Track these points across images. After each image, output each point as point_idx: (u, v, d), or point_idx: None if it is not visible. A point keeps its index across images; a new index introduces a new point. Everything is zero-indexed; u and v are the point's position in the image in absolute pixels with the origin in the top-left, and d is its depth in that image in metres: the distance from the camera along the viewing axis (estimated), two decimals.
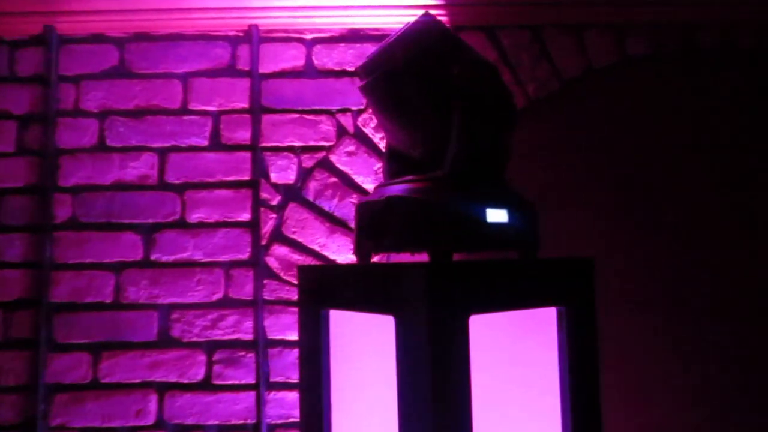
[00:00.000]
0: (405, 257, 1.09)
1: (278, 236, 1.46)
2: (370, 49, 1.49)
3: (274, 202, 1.47)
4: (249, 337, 1.43)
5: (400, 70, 1.05)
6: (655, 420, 1.50)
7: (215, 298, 1.44)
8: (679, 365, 1.51)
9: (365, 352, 1.02)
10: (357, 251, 1.08)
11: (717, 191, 1.55)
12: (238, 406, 1.41)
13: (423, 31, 1.07)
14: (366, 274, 0.99)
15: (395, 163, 1.11)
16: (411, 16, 1.45)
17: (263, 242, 1.45)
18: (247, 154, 1.47)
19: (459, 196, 0.97)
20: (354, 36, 1.51)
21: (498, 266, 0.96)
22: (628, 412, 1.50)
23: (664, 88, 1.56)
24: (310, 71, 1.50)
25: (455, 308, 0.87)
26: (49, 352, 1.42)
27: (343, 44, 1.51)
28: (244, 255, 1.45)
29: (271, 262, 1.45)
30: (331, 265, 1.23)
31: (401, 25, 1.46)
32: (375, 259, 1.26)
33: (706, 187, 1.55)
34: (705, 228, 1.54)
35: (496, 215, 0.97)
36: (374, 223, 1.03)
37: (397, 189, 1.04)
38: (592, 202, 1.52)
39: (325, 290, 1.06)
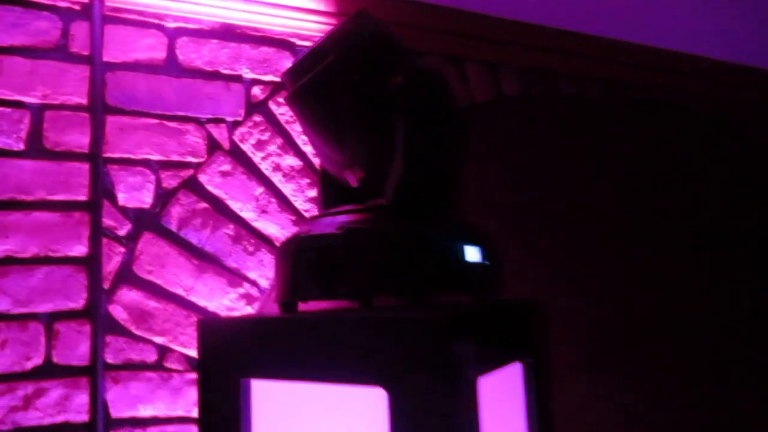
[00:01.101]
0: (314, 305, 0.88)
1: (127, 277, 1.10)
2: (248, 51, 1.25)
3: (123, 232, 1.11)
4: (83, 418, 1.04)
5: (333, 77, 0.87)
6: None
7: (30, 365, 1.02)
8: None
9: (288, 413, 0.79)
10: (285, 296, 0.84)
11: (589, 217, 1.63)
12: None
13: (361, 32, 0.90)
14: (326, 327, 0.76)
15: (330, 189, 0.91)
16: (298, 20, 1.26)
17: (106, 285, 1.08)
18: (84, 166, 1.09)
19: (426, 231, 0.81)
20: (229, 33, 1.25)
21: (490, 313, 0.82)
22: None
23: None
24: (173, 68, 1.19)
25: (470, 368, 0.70)
26: None
27: (215, 40, 1.23)
28: (77, 303, 1.06)
29: (117, 311, 1.09)
30: (257, 317, 0.93)
31: (285, 29, 1.26)
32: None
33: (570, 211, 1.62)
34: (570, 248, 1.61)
35: (472, 254, 0.83)
36: (322, 264, 0.80)
37: (337, 221, 0.84)
38: None
39: (246, 353, 0.80)
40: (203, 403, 0.83)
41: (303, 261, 0.82)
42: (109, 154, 1.11)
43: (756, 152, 2.03)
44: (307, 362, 0.75)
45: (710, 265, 1.87)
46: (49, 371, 1.02)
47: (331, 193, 0.94)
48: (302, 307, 0.85)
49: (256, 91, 1.25)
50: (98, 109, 1.11)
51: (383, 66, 0.86)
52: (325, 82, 0.85)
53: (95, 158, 1.10)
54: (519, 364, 0.90)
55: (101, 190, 1.10)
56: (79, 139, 1.10)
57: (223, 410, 0.81)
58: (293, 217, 1.25)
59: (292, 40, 1.30)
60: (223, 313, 1.16)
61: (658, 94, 1.80)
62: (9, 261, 1.02)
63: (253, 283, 1.20)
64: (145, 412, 1.08)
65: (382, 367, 0.70)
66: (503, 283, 0.89)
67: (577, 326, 1.60)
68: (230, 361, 0.81)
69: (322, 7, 1.30)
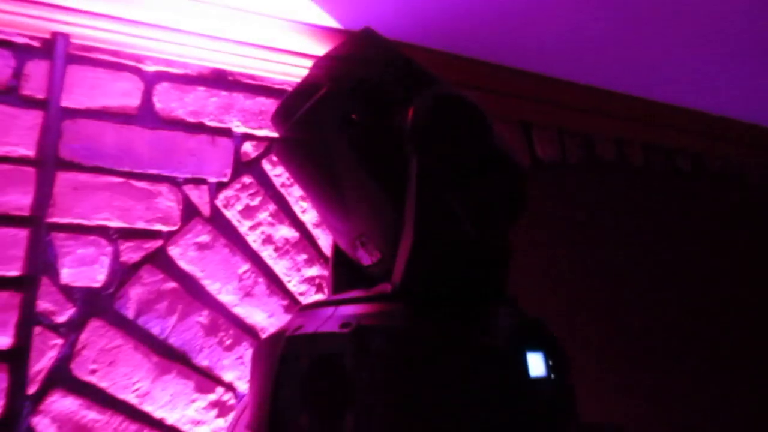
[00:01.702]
0: None
1: (63, 378, 0.84)
2: (241, 101, 1.05)
3: (63, 318, 0.86)
4: None
5: (326, 115, 0.65)
6: None
7: None
8: None
9: None
10: (264, 427, 0.58)
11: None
12: None
13: (362, 55, 0.69)
14: None
15: (343, 270, 0.66)
16: (302, 67, 1.06)
17: (32, 389, 0.82)
18: (21, 232, 0.86)
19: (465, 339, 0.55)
20: (219, 79, 1.05)
21: None
22: None
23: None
24: (148, 117, 0.98)
25: None
26: None
27: (202, 88, 1.03)
28: None
29: (43, 426, 0.82)
30: None
31: (286, 77, 1.06)
32: None
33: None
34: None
35: (537, 364, 0.57)
36: (319, 380, 0.55)
37: (340, 313, 0.59)
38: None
39: None
40: None
41: (290, 373, 0.57)
42: (55, 219, 0.89)
43: None
44: None
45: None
46: None
47: (345, 275, 0.69)
48: None
49: (248, 147, 1.04)
50: (48, 163, 0.90)
51: (394, 97, 0.63)
52: (317, 122, 0.62)
53: (37, 223, 0.87)
54: None
55: (40, 264, 0.86)
56: (19, 200, 0.87)
57: None
58: (286, 302, 1.00)
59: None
60: (186, 428, 0.89)
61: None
62: None
63: (229, 387, 0.93)
64: None
65: None
66: (574, 408, 0.62)
67: None
68: None
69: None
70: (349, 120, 0.61)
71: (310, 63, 1.08)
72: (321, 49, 1.09)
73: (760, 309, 1.62)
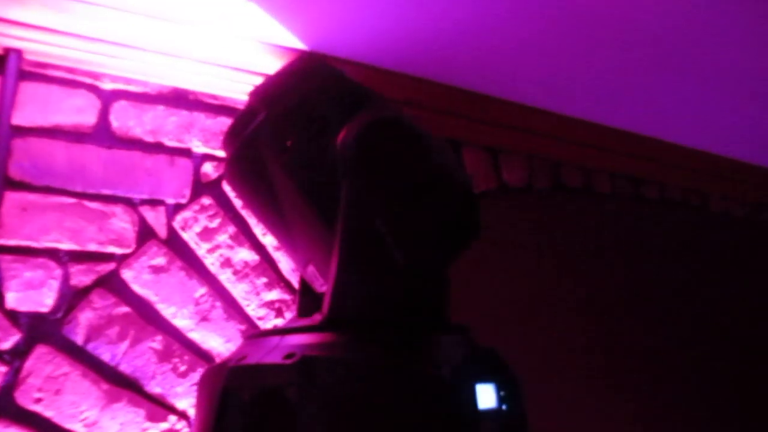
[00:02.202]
0: None
1: (5, 407, 0.81)
2: (203, 120, 1.03)
3: (7, 345, 0.83)
4: None
5: (264, 141, 0.64)
6: None
7: None
8: None
9: None
10: None
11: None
12: None
13: (300, 79, 0.68)
14: None
15: (308, 297, 0.65)
16: None
17: None
18: None
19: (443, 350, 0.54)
20: (180, 99, 1.03)
21: None
22: None
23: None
24: (104, 136, 0.96)
25: None
26: None
27: (161, 106, 1.01)
28: None
29: None
30: None
31: (247, 96, 1.05)
32: None
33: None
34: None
35: (486, 394, 0.56)
36: (262, 413, 0.53)
37: (286, 343, 0.57)
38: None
39: None
40: None
41: (232, 405, 0.55)
42: (2, 241, 0.85)
43: None
44: None
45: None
46: None
47: (310, 302, 0.68)
48: None
49: (208, 168, 1.02)
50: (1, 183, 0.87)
51: (330, 121, 0.62)
52: (256, 148, 0.61)
53: None
54: None
55: None
56: None
57: None
58: (244, 327, 0.98)
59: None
60: None
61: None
62: None
63: (182, 416, 0.90)
64: None
65: None
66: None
67: None
68: None
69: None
70: (283, 145, 0.60)
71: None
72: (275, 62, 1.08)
73: (731, 329, 1.64)
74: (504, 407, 0.57)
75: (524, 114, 1.35)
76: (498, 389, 0.57)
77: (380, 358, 0.52)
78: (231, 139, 0.65)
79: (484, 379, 0.54)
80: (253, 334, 0.64)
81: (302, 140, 0.60)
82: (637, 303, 1.52)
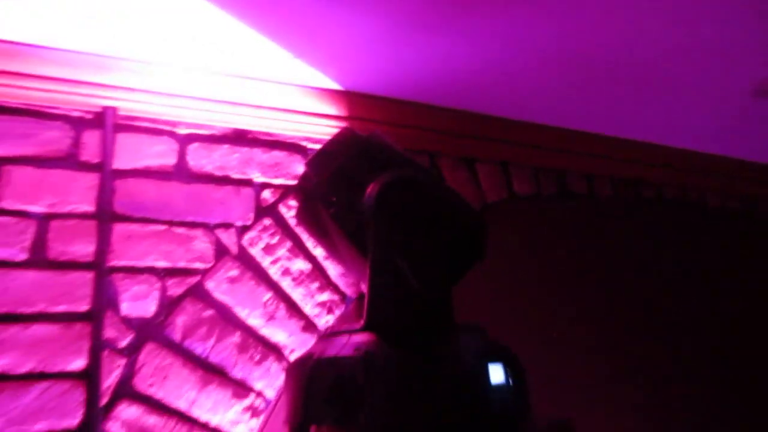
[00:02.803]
0: None
1: (127, 391, 1.05)
2: (259, 155, 1.26)
3: (124, 343, 1.07)
4: None
5: (316, 199, 0.87)
6: None
7: None
8: None
9: None
10: (301, 424, 0.78)
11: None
12: None
13: (344, 144, 0.90)
14: None
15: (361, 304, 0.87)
16: (310, 124, 1.28)
17: (104, 400, 1.03)
18: (88, 275, 1.07)
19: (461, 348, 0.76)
20: (240, 138, 1.25)
21: None
22: None
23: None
24: (183, 173, 1.19)
25: None
26: None
27: (226, 145, 1.24)
28: (73, 421, 1.00)
29: (115, 429, 1.02)
30: None
31: (297, 133, 1.27)
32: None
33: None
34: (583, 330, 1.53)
35: (497, 375, 0.78)
36: (340, 392, 0.75)
37: (353, 341, 0.80)
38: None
39: None
40: None
41: (318, 387, 0.77)
42: (114, 263, 1.09)
43: None
44: None
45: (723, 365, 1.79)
46: None
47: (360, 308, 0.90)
48: None
49: (266, 194, 1.25)
50: (106, 217, 1.10)
51: (363, 181, 0.84)
52: (314, 203, 0.84)
53: (100, 267, 1.07)
54: None
55: (104, 300, 1.06)
56: (84, 248, 1.07)
57: None
58: (302, 323, 1.21)
59: (303, 143, 1.30)
60: (227, 428, 1.09)
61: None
62: (2, 378, 0.98)
63: (259, 394, 1.13)
64: None
65: None
66: (530, 409, 0.82)
67: None
68: None
69: (332, 112, 1.31)
70: (330, 201, 0.82)
71: (317, 120, 1.30)
72: (324, 107, 1.30)
73: (732, 326, 1.82)
74: (511, 382, 0.79)
75: (531, 130, 1.54)
76: (506, 370, 0.78)
77: (415, 355, 0.74)
78: (297, 195, 0.87)
79: (495, 361, 0.76)
80: (326, 334, 0.87)
81: (342, 197, 0.82)
82: (640, 300, 1.71)
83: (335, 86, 1.30)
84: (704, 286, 1.81)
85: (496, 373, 0.75)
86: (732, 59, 1.32)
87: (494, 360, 0.76)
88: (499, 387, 0.75)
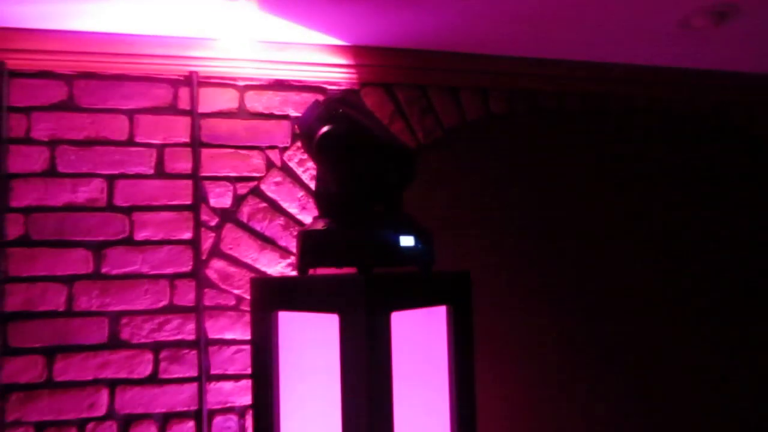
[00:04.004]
0: (330, 271, 1.43)
1: (216, 252, 1.74)
2: (293, 96, 1.83)
3: (213, 224, 1.74)
4: (191, 337, 1.69)
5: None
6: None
7: (161, 305, 1.69)
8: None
9: (307, 346, 1.36)
10: (300, 266, 1.41)
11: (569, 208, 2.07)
12: (182, 396, 1.68)
13: (310, 109, 1.45)
14: (314, 283, 1.33)
15: (322, 200, 1.46)
16: (328, 72, 1.82)
17: (203, 257, 1.73)
18: (189, 182, 1.73)
19: (375, 226, 1.35)
20: (279, 85, 1.83)
21: (408, 278, 1.36)
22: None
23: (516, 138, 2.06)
24: (242, 113, 1.79)
25: (382, 307, 1.24)
26: (4, 356, 1.58)
27: (270, 92, 1.82)
28: (187, 268, 1.71)
29: (211, 274, 1.73)
30: (281, 277, 1.61)
31: (319, 79, 1.82)
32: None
33: (558, 205, 2.06)
34: (551, 238, 2.05)
35: (407, 240, 1.36)
36: (317, 247, 1.37)
37: (331, 221, 1.40)
38: (464, 223, 1.97)
39: (275, 296, 1.39)
40: (254, 325, 1.42)
41: (307, 245, 1.39)
42: (203, 174, 1.74)
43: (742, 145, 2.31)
44: (305, 300, 1.33)
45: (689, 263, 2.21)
46: (172, 309, 1.69)
47: (322, 203, 1.49)
48: (311, 272, 1.42)
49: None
50: (196, 145, 1.74)
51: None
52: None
53: (195, 177, 1.73)
54: (444, 308, 1.42)
55: (200, 197, 1.73)
56: (185, 165, 1.73)
57: (264, 332, 1.40)
58: None
59: (324, 86, 1.85)
60: (278, 273, 1.77)
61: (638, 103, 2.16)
62: (147, 243, 1.69)
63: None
64: (227, 336, 1.72)
65: (337, 304, 1.25)
66: (432, 260, 1.40)
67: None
68: (266, 301, 1.40)
69: (345, 62, 1.83)
70: (306, 147, 1.39)
71: (334, 69, 1.83)
72: (336, 59, 1.82)
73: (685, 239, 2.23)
74: (419, 246, 1.36)
75: (505, 61, 1.98)
76: (415, 239, 1.35)
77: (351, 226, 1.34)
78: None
79: (407, 234, 1.33)
80: (314, 218, 1.47)
81: (305, 145, 1.39)
82: (606, 205, 2.15)
83: (343, 43, 1.82)
84: (671, 188, 2.21)
85: (408, 241, 1.33)
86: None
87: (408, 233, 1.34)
88: (410, 248, 1.34)
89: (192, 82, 1.75)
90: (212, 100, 1.78)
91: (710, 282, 2.22)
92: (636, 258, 2.15)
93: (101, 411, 1.63)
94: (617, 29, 1.80)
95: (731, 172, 2.29)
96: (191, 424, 1.68)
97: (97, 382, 1.63)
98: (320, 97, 1.84)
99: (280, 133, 1.82)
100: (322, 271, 1.43)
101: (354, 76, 1.86)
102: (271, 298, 1.40)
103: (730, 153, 2.30)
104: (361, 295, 1.22)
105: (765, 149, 2.34)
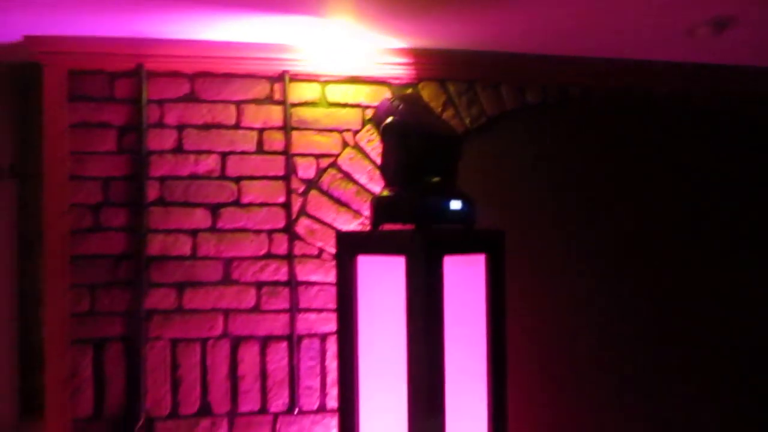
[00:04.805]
0: (395, 227, 1.87)
1: (303, 213, 2.21)
2: (364, 89, 2.27)
3: (300, 191, 2.21)
4: (285, 278, 2.18)
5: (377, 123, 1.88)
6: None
7: (262, 253, 2.17)
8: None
9: (379, 283, 1.82)
10: (373, 222, 1.87)
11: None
12: (278, 323, 2.17)
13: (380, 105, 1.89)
14: (385, 235, 1.78)
15: (387, 173, 1.90)
16: (392, 67, 2.25)
17: (293, 217, 2.20)
18: (282, 158, 2.20)
19: (430, 193, 1.79)
20: (353, 80, 2.26)
21: (456, 232, 1.79)
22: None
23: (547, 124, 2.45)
24: (323, 103, 2.25)
25: (438, 251, 1.68)
26: (148, 288, 2.10)
27: (346, 85, 2.26)
28: (281, 225, 2.19)
29: (299, 230, 2.21)
30: (361, 231, 2.11)
31: (384, 74, 2.25)
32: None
33: (592, 187, 2.46)
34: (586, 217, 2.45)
35: (455, 204, 1.80)
36: (387, 208, 1.82)
37: (397, 189, 1.84)
38: (503, 193, 2.38)
39: (357, 245, 1.85)
40: (339, 268, 1.89)
41: (379, 207, 1.84)
42: (293, 151, 2.21)
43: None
44: (379, 247, 1.78)
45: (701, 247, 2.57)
46: (270, 256, 2.18)
47: (387, 177, 1.93)
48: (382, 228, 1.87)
49: (368, 112, 2.27)
50: (288, 128, 2.21)
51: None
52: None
53: (287, 154, 2.20)
54: (483, 256, 1.85)
55: (290, 170, 2.20)
56: (279, 144, 2.20)
57: (346, 273, 1.86)
58: None
59: (389, 80, 2.28)
60: (352, 228, 2.23)
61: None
62: (251, 205, 2.17)
63: (366, 217, 2.25)
64: (312, 278, 2.20)
65: (404, 249, 1.70)
66: (474, 220, 1.83)
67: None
68: (349, 249, 1.86)
69: (406, 60, 2.26)
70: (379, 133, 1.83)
71: (397, 67, 2.26)
72: (403, 59, 2.24)
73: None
74: (464, 209, 1.80)
75: (539, 60, 2.36)
76: (462, 203, 1.79)
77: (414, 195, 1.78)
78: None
79: (455, 199, 1.76)
80: (383, 188, 1.92)
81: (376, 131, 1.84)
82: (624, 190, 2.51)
83: (405, 46, 2.24)
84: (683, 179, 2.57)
85: (456, 205, 1.77)
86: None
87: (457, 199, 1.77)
88: (457, 210, 1.77)
89: (284, 78, 2.21)
90: (300, 93, 2.23)
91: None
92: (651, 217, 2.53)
93: (218, 332, 2.14)
94: (633, 31, 2.17)
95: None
96: (284, 344, 2.17)
97: (215, 311, 2.14)
98: (386, 90, 2.28)
99: (354, 118, 2.26)
100: (389, 227, 1.88)
101: (413, 72, 2.28)
102: (353, 246, 1.86)
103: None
104: (422, 242, 1.67)
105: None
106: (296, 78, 2.23)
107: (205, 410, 2.12)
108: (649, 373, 2.50)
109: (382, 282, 1.80)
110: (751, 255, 2.61)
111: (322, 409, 2.19)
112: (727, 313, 2.58)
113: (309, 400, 2.18)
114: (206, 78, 2.18)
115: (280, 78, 2.21)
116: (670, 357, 2.52)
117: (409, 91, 2.28)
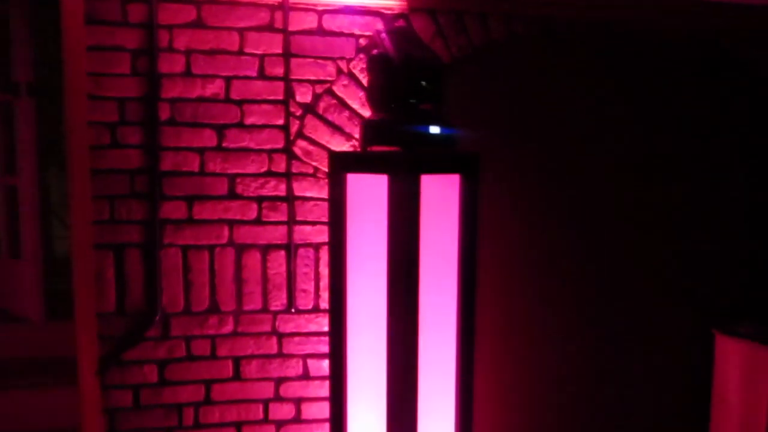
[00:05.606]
0: (382, 149, 2.08)
1: (300, 135, 2.42)
2: (357, 19, 2.43)
3: (298, 114, 2.42)
4: (283, 194, 2.42)
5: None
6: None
7: (263, 170, 2.40)
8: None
9: (365, 198, 2.05)
10: (362, 144, 2.08)
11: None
12: (277, 233, 2.43)
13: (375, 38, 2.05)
14: (372, 155, 2.00)
15: (373, 101, 2.09)
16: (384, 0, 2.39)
17: (291, 138, 2.41)
18: (282, 83, 2.39)
19: (413, 119, 1.99)
20: (348, 10, 2.41)
21: (434, 154, 2.01)
22: None
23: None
24: (320, 31, 2.41)
25: (416, 170, 1.90)
26: (161, 200, 2.35)
27: (341, 15, 2.41)
28: (280, 145, 2.41)
29: (297, 150, 2.42)
30: (351, 150, 2.32)
31: (378, 4, 2.40)
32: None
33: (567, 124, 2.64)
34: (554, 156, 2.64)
35: (435, 129, 2.00)
36: (374, 132, 2.03)
37: (383, 115, 2.04)
38: (485, 117, 2.57)
39: (347, 164, 2.07)
40: (331, 184, 2.12)
41: (368, 130, 2.05)
42: (292, 77, 2.40)
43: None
44: (366, 166, 2.01)
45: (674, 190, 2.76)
46: (270, 174, 2.41)
47: (374, 104, 2.12)
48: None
49: (361, 41, 2.43)
50: (288, 55, 2.38)
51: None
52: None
53: (286, 79, 2.39)
54: (458, 176, 2.06)
55: (289, 95, 2.39)
56: (279, 71, 2.39)
57: (338, 189, 2.09)
58: None
59: (382, 10, 2.43)
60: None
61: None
62: (253, 126, 2.38)
63: (357, 140, 2.45)
64: (307, 194, 2.44)
65: (387, 168, 1.92)
66: (455, 144, 2.04)
67: None
68: (339, 167, 2.08)
69: None
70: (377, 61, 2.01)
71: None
72: None
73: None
74: (444, 133, 2.00)
75: None
76: (441, 129, 1.98)
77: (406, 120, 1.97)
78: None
79: (436, 125, 1.96)
80: (370, 114, 2.11)
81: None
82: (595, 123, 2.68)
83: None
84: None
85: (436, 130, 1.97)
86: None
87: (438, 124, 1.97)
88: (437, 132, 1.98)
89: (284, 7, 2.36)
90: (299, 21, 2.39)
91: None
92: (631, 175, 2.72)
93: (224, 240, 2.40)
94: None
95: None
96: (283, 253, 2.44)
97: (221, 221, 2.39)
98: (379, 20, 2.43)
99: (348, 47, 2.43)
100: (376, 148, 2.09)
101: (404, 3, 2.42)
102: (344, 165, 2.08)
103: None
104: (400, 161, 1.88)
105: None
106: (296, 7, 2.38)
107: (213, 308, 2.42)
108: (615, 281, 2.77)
109: (369, 197, 2.03)
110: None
111: (315, 309, 2.48)
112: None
113: (304, 301, 2.47)
114: (212, 5, 2.33)
115: (281, 7, 2.37)
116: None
117: (401, 21, 2.43)
